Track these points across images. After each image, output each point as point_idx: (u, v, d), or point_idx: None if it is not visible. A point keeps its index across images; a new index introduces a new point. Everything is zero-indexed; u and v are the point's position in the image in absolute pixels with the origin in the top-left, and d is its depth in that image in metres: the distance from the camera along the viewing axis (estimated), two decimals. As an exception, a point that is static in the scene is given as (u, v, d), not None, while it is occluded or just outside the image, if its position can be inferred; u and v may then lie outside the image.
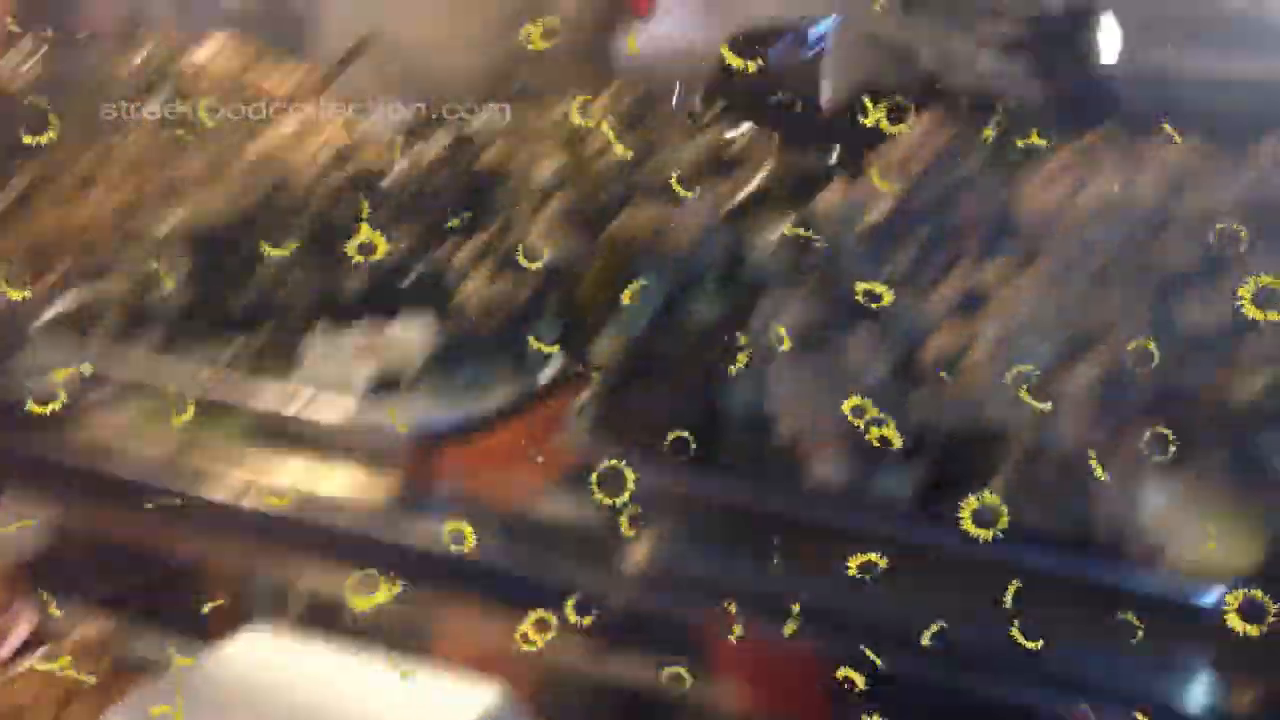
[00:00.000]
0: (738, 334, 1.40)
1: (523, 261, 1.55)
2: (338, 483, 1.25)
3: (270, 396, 1.30)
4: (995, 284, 1.37)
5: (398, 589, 1.08)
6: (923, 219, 1.53)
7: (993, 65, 1.61)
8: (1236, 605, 0.86)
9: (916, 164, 1.51)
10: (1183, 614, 0.91)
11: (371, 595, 1.08)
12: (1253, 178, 1.31)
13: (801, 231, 1.52)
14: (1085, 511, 1.01)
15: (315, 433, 1.28)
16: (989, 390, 1.27)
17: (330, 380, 1.39)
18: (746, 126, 1.75)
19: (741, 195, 1.57)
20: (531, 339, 1.37)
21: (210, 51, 2.16)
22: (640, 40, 1.94)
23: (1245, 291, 1.04)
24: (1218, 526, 0.89)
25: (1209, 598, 0.89)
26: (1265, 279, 1.02)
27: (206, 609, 1.23)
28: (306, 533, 1.19)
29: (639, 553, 1.14)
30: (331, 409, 1.27)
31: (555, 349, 1.38)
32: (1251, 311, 1.03)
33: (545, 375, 1.32)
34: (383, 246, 1.71)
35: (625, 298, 1.40)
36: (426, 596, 1.19)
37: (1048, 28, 1.76)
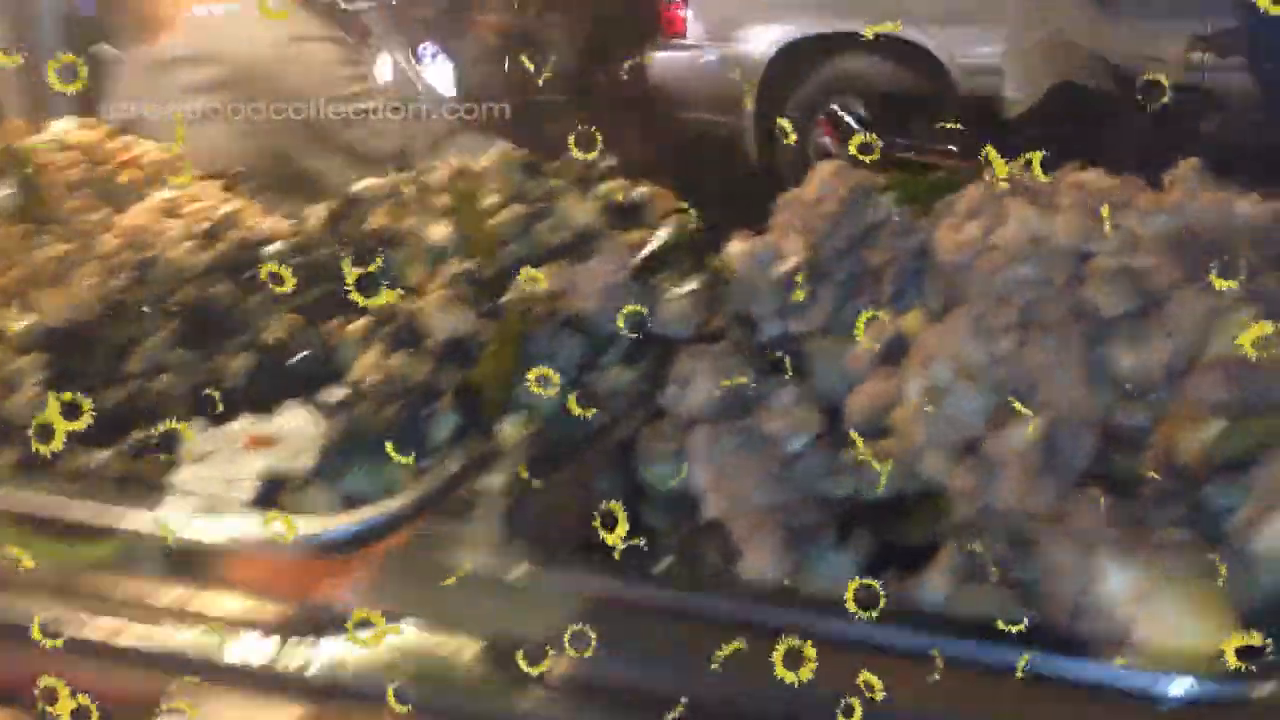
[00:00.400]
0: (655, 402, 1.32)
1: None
2: (225, 606, 1.13)
3: (142, 517, 1.18)
4: (917, 333, 1.32)
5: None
6: (835, 267, 1.47)
7: (1201, 60, 1.54)
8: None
9: (825, 211, 1.45)
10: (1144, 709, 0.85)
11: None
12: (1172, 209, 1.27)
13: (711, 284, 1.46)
14: (1035, 591, 0.94)
15: (197, 552, 1.16)
16: (920, 451, 1.20)
17: (210, 487, 1.27)
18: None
19: (646, 252, 1.49)
20: (432, 426, 1.27)
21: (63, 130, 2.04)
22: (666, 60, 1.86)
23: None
24: (1181, 605, 0.83)
25: (1175, 689, 0.82)
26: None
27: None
28: (194, 667, 1.06)
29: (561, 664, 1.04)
30: (213, 524, 1.15)
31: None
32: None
33: (450, 466, 1.21)
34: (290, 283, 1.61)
35: (532, 374, 1.31)
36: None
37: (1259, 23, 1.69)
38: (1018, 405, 1.11)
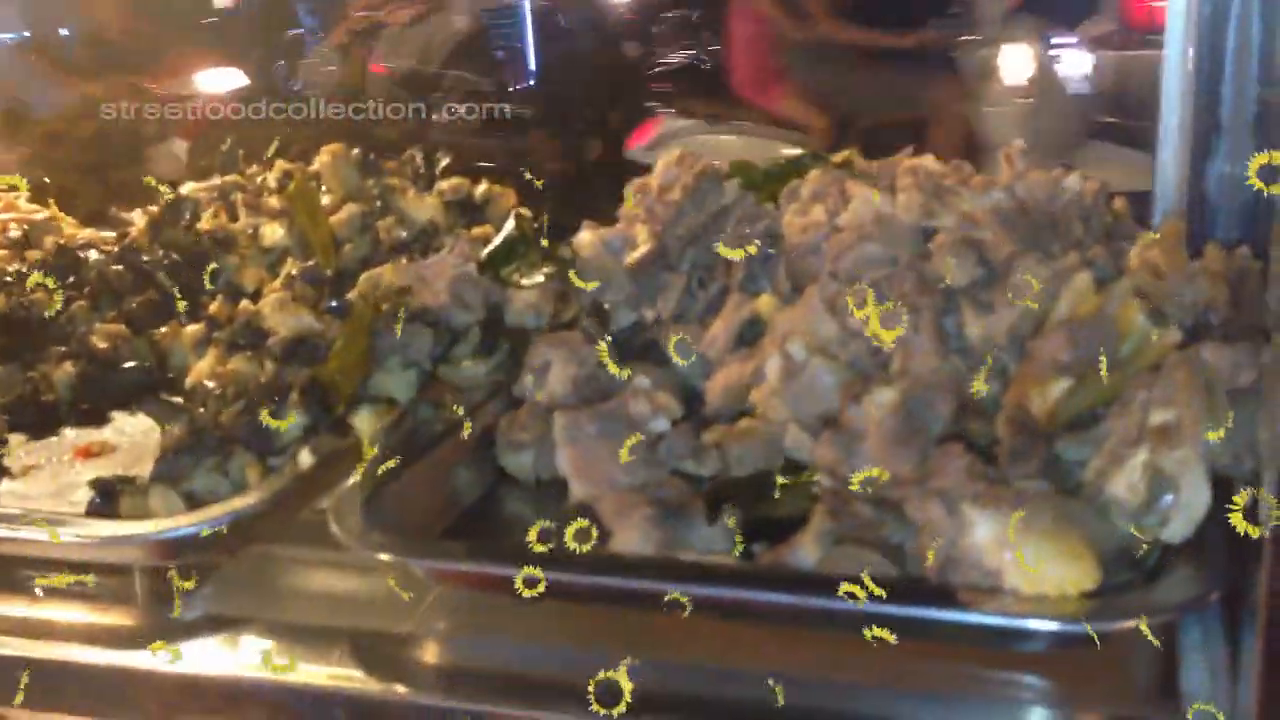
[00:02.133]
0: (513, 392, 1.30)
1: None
2: (69, 614, 1.06)
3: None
4: (770, 315, 1.33)
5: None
6: (684, 254, 1.47)
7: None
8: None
9: (672, 199, 1.46)
10: (1019, 647, 0.87)
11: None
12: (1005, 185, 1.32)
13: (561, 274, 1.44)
14: (906, 547, 0.96)
15: (34, 558, 1.08)
16: (781, 427, 1.22)
17: (42, 494, 1.19)
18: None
19: (493, 245, 1.47)
20: (274, 422, 1.22)
21: None
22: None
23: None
24: (1046, 551, 0.86)
25: (1042, 630, 0.85)
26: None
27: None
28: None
29: (430, 652, 1.01)
30: (48, 530, 1.07)
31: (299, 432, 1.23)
32: None
33: (299, 464, 1.17)
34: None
35: (386, 367, 1.27)
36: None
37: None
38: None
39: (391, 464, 1.11)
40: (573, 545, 0.98)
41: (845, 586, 0.86)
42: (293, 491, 1.14)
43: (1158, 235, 1.21)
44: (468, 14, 3.43)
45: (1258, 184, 0.94)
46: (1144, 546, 0.91)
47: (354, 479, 1.10)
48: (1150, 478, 0.91)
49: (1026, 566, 0.87)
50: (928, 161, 1.51)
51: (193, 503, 1.15)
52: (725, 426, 1.26)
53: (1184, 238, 1.22)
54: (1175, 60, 1.57)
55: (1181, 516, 0.89)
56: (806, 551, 0.97)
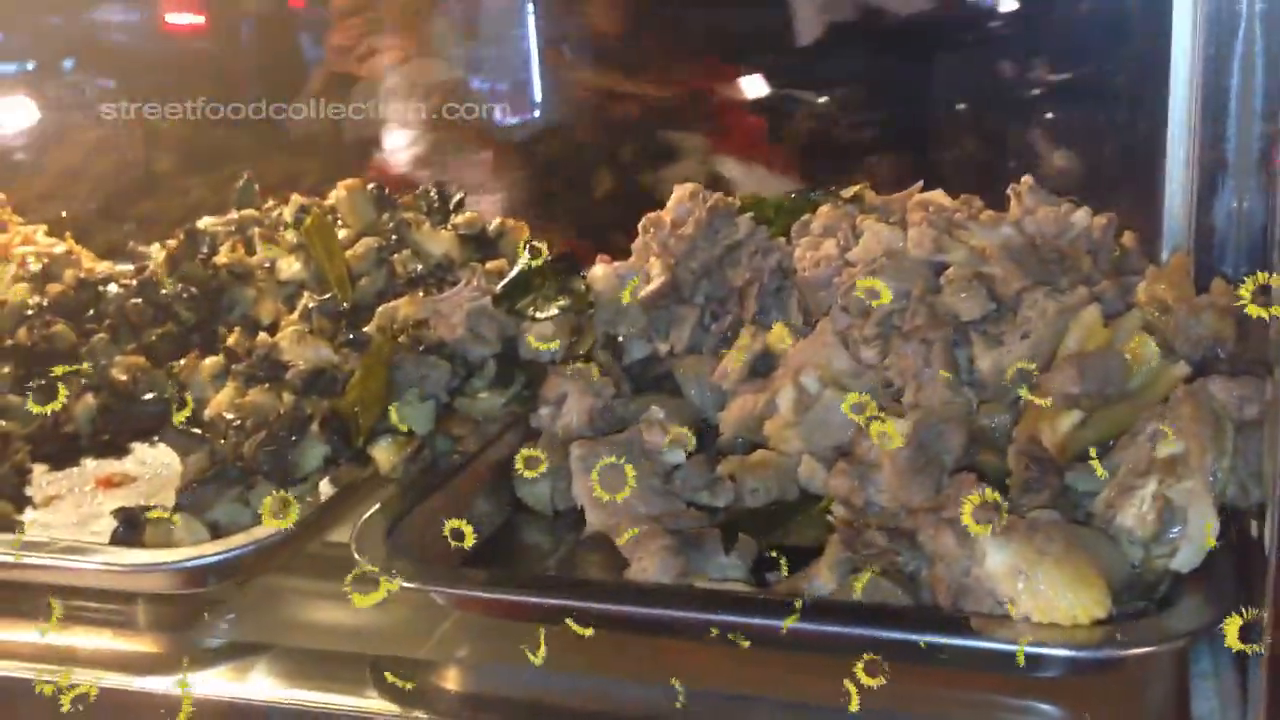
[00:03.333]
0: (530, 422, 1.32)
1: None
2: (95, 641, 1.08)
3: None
4: (782, 345, 1.35)
5: None
6: (697, 288, 1.50)
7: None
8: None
9: (685, 233, 1.48)
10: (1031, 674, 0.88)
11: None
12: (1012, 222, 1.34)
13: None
14: (920, 575, 0.98)
15: (61, 585, 1.10)
16: (795, 458, 1.23)
17: (66, 524, 1.21)
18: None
19: (509, 279, 1.49)
20: (300, 456, 1.24)
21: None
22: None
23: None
24: (1058, 578, 0.87)
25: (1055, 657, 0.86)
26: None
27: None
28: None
29: (451, 679, 1.03)
30: (74, 557, 1.09)
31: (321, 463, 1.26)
32: None
33: (320, 495, 1.19)
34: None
35: (404, 399, 1.29)
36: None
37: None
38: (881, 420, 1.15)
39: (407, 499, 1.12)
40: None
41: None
42: (314, 520, 1.15)
43: (1165, 269, 1.23)
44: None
45: (1252, 310, 0.95)
46: (1153, 575, 0.92)
47: (375, 509, 1.12)
48: (1159, 508, 0.93)
49: (1039, 594, 0.88)
50: (938, 196, 1.54)
51: (216, 532, 1.16)
52: (739, 458, 1.27)
53: (1190, 272, 1.24)
54: (1180, 98, 1.60)
55: (1190, 546, 0.91)
56: (822, 580, 0.99)
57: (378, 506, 1.12)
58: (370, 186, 1.76)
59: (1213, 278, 1.29)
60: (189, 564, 1.07)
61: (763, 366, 1.38)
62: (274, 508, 1.19)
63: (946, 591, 0.94)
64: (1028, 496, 1.00)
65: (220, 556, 1.08)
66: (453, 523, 1.11)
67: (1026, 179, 1.42)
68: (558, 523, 1.23)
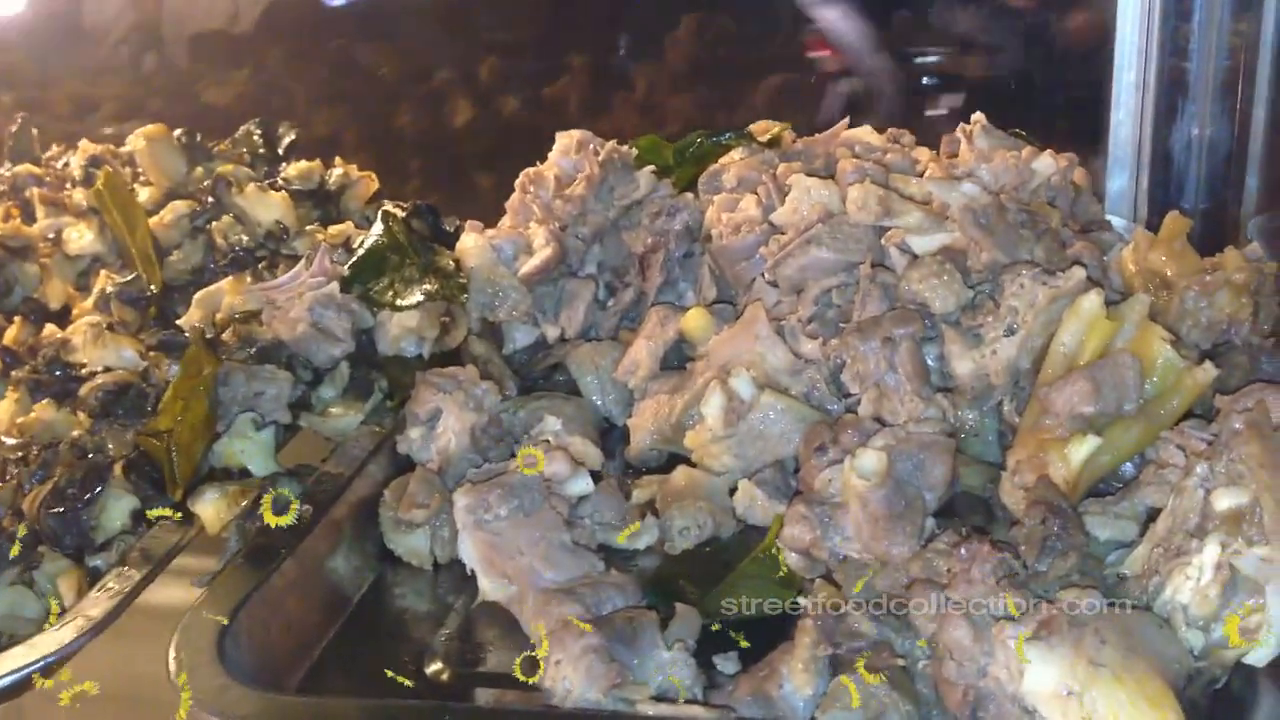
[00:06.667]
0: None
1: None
2: None
3: None
4: (699, 333, 1.11)
5: None
6: (589, 258, 1.24)
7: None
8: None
9: (574, 193, 1.22)
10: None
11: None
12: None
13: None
14: (917, 665, 0.77)
15: None
16: (727, 481, 1.01)
17: None
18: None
19: (358, 255, 1.21)
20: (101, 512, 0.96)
21: None
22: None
23: None
24: (1120, 700, 0.67)
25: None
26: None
27: None
28: None
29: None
30: None
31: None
32: None
33: (129, 574, 0.91)
34: None
35: (235, 429, 1.02)
36: None
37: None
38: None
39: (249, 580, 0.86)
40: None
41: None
42: (117, 615, 0.88)
43: (1161, 235, 1.03)
44: None
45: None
46: (1219, 669, 0.73)
47: (199, 601, 0.85)
48: (1223, 580, 0.73)
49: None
50: (864, 133, 1.30)
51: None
52: (657, 479, 1.04)
53: (1186, 236, 1.04)
54: (1131, 8, 1.39)
55: (1272, 634, 0.71)
56: (796, 683, 0.77)
57: (202, 598, 0.85)
58: (178, 133, 1.44)
59: (1166, 214, 1.09)
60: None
61: (676, 358, 1.14)
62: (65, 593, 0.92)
63: (962, 701, 0.73)
64: (1048, 562, 0.78)
65: (-8, 685, 0.81)
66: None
67: (978, 117, 1.20)
68: (441, 580, 0.98)
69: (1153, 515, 0.82)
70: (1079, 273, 0.94)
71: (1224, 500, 0.75)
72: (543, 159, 1.27)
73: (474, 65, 1.82)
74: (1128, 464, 0.88)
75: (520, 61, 1.82)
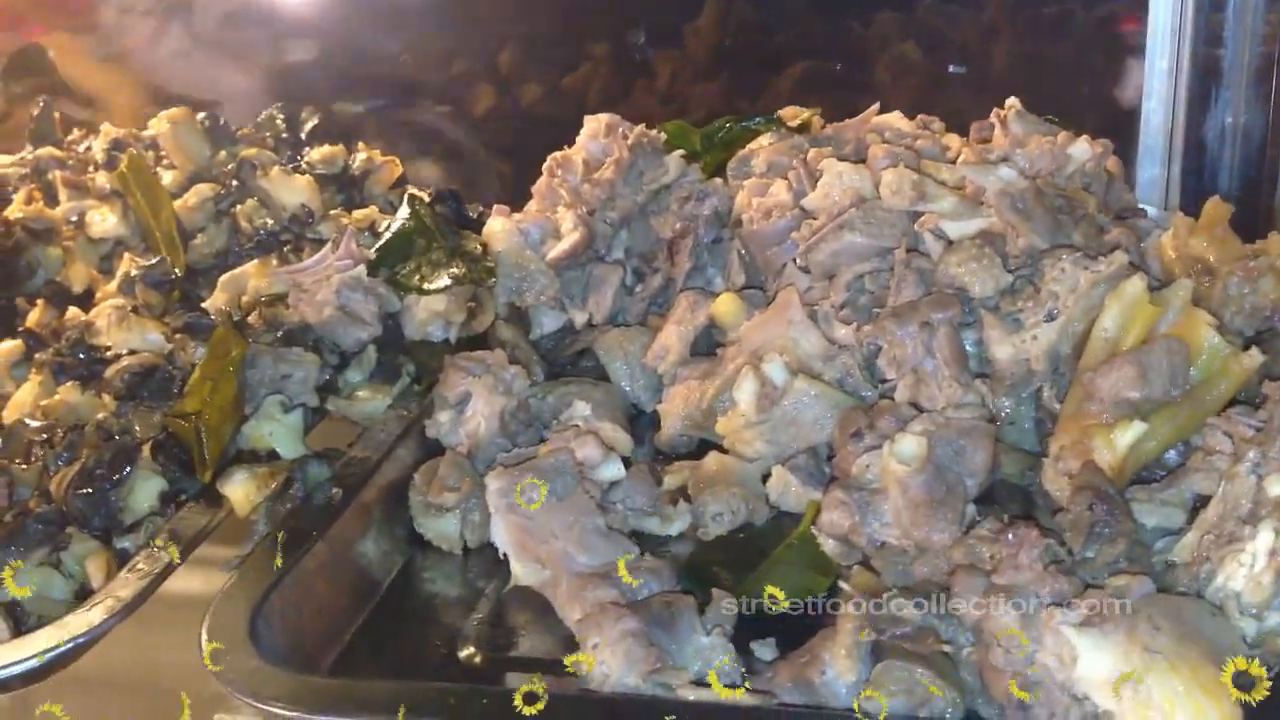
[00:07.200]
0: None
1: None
2: None
3: None
4: (730, 318, 1.10)
5: None
6: (617, 243, 1.23)
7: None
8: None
9: (602, 177, 1.21)
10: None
11: None
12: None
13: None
14: (961, 654, 0.75)
15: None
16: (760, 467, 1.00)
17: None
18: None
19: (385, 238, 1.20)
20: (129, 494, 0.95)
21: None
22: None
23: None
24: (1176, 688, 0.65)
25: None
26: None
27: None
28: None
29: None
30: None
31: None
32: None
33: (159, 556, 0.90)
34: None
35: (262, 411, 1.01)
36: None
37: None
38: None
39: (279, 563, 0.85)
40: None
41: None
42: (147, 595, 0.87)
43: (1203, 220, 1.01)
44: None
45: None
46: (1274, 657, 0.72)
47: (231, 583, 0.84)
48: (1277, 567, 0.72)
49: (1150, 706, 0.66)
50: (894, 119, 1.29)
51: (16, 620, 0.87)
52: (689, 465, 1.03)
53: (1228, 222, 1.02)
54: (1165, -5, 1.37)
55: (1329, 621, 0.70)
56: (839, 669, 0.75)
57: (233, 581, 0.84)
58: (201, 116, 1.43)
59: (1198, 202, 1.07)
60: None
61: (706, 343, 1.13)
62: (94, 574, 0.91)
63: (1008, 691, 0.71)
64: (1096, 548, 0.77)
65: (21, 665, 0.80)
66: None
67: (1012, 102, 1.18)
68: (471, 565, 0.97)
69: (1200, 502, 0.81)
70: (1121, 257, 0.93)
71: (1277, 486, 0.73)
72: (563, 148, 1.26)
73: (495, 54, 1.81)
74: (1171, 451, 0.87)
75: (541, 49, 1.80)
